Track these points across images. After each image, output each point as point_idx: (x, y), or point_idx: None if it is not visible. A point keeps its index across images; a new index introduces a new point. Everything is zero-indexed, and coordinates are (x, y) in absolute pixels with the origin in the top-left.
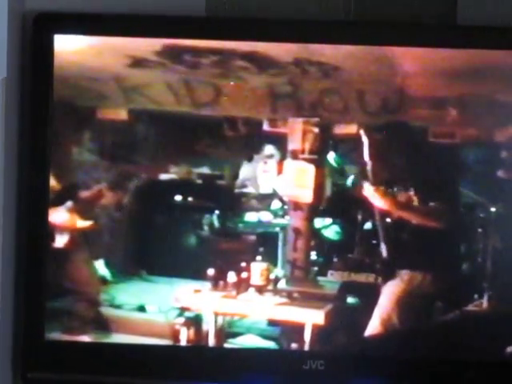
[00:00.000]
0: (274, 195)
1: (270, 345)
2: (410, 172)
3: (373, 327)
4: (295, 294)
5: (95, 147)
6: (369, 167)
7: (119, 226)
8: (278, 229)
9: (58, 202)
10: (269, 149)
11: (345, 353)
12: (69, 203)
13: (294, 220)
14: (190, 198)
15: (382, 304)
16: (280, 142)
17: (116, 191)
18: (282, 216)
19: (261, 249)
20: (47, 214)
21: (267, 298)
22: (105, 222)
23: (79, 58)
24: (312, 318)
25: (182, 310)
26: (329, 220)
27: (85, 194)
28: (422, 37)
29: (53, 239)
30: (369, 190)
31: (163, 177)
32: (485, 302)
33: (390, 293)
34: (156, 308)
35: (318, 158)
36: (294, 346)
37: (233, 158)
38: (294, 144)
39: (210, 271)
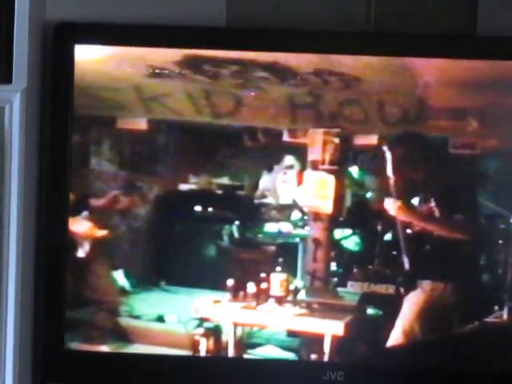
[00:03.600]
0: (293, 206)
1: (290, 356)
2: (430, 183)
3: (395, 338)
4: (315, 305)
5: (114, 157)
6: (389, 178)
7: (139, 236)
8: (297, 239)
9: (78, 212)
10: (289, 159)
11: (364, 364)
12: (87, 213)
13: (314, 231)
14: (209, 209)
15: (404, 315)
16: (300, 152)
17: (135, 201)
18: (302, 227)
19: (280, 259)
20: (67, 224)
21: (287, 309)
22: (124, 233)
23: (99, 67)
24: (332, 328)
25: (202, 320)
26: (349, 231)
27: (102, 203)
28: (441, 48)
29: (73, 249)
30: (389, 202)
31: (183, 187)
32: (505, 314)
33: (411, 303)
34: (175, 318)
35: (338, 168)
36: (313, 356)
37: (253, 168)
38: (314, 154)
39: (230, 282)
